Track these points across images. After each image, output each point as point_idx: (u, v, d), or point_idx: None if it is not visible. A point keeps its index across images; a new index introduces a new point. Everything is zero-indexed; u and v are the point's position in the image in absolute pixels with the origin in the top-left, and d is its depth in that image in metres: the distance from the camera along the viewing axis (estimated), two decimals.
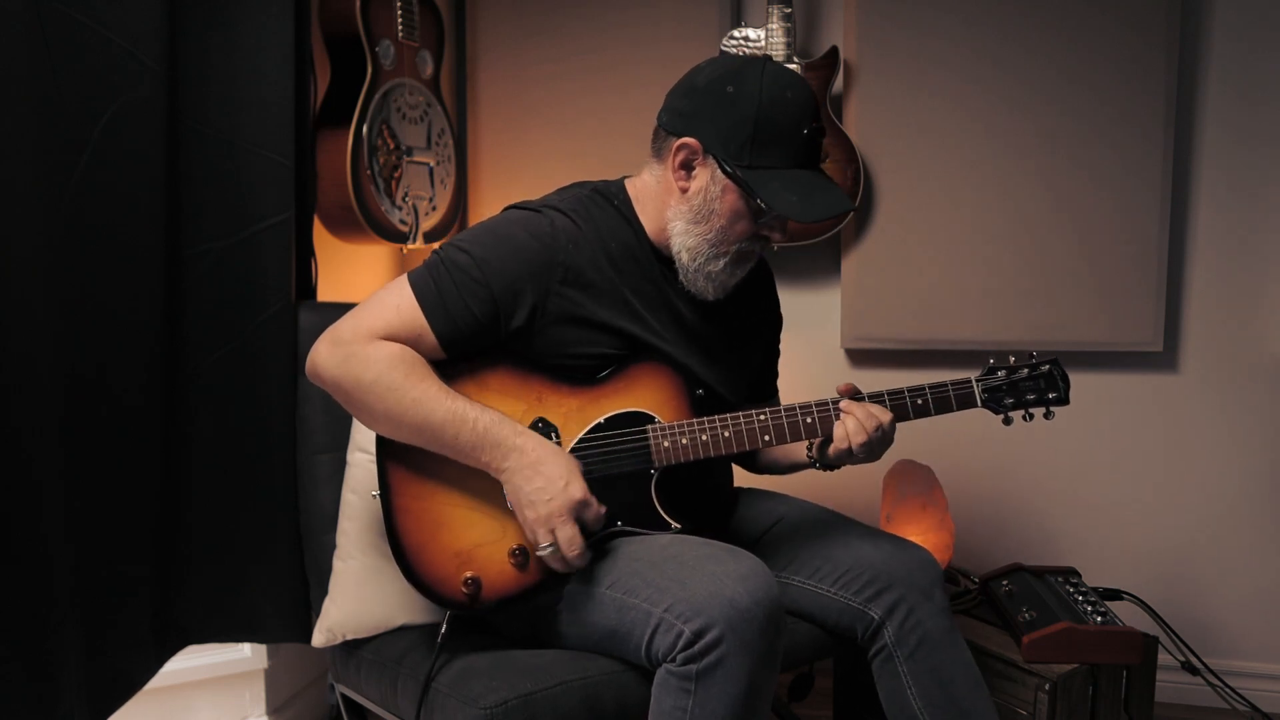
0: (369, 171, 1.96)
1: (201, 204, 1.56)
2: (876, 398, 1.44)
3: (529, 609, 1.41)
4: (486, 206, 2.49)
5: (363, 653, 1.52)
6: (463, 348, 1.37)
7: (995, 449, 2.32)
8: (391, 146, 2.04)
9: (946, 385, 1.45)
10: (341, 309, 1.41)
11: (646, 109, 1.48)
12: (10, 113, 1.18)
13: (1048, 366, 1.47)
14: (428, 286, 1.35)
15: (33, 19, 1.23)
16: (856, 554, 1.49)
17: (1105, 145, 2.17)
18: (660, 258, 1.47)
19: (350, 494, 1.56)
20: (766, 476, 1.71)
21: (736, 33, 2.22)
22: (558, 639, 1.41)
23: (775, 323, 1.69)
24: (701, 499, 1.52)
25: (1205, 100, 2.19)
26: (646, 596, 1.28)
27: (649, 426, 1.41)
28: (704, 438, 1.40)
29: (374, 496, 1.40)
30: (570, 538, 1.31)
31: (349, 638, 1.52)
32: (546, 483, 1.31)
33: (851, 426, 1.39)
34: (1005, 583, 1.94)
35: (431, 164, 2.17)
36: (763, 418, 1.41)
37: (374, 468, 1.39)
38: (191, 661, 1.82)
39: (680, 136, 1.39)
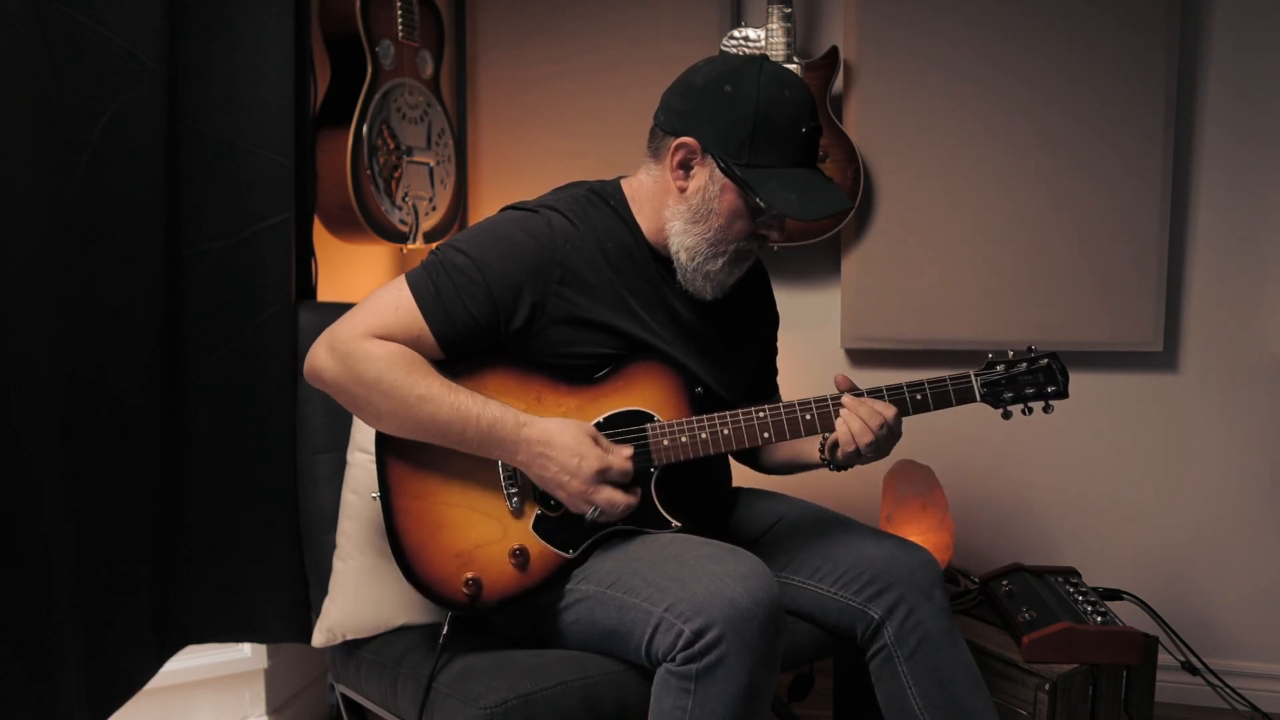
0: (369, 171, 1.96)
1: (201, 204, 1.56)
2: (875, 393, 1.43)
3: (529, 609, 1.41)
4: (486, 206, 2.49)
5: (363, 653, 1.52)
6: (461, 349, 1.37)
7: (995, 449, 2.32)
8: (391, 146, 2.04)
9: (945, 380, 1.44)
10: (341, 309, 1.40)
11: (646, 109, 1.48)
12: (10, 113, 1.18)
13: (1046, 360, 1.46)
14: (426, 288, 1.34)
15: (33, 19, 1.23)
16: (856, 554, 1.49)
17: (1105, 145, 2.17)
18: (657, 257, 1.47)
19: (350, 494, 1.56)
20: (766, 476, 1.71)
21: (736, 33, 2.23)
22: (558, 639, 1.41)
23: (772, 321, 1.69)
24: (701, 497, 1.52)
25: (1205, 100, 2.19)
26: (647, 596, 1.28)
27: (648, 425, 1.41)
28: (703, 436, 1.40)
29: (374, 499, 1.40)
30: (609, 500, 1.33)
31: (349, 638, 1.52)
32: (560, 466, 1.32)
33: (856, 428, 1.39)
34: (1005, 583, 1.94)
35: (431, 164, 2.17)
36: (762, 415, 1.41)
37: (374, 468, 1.39)
38: (191, 661, 1.82)
39: (678, 136, 1.39)
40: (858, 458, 1.42)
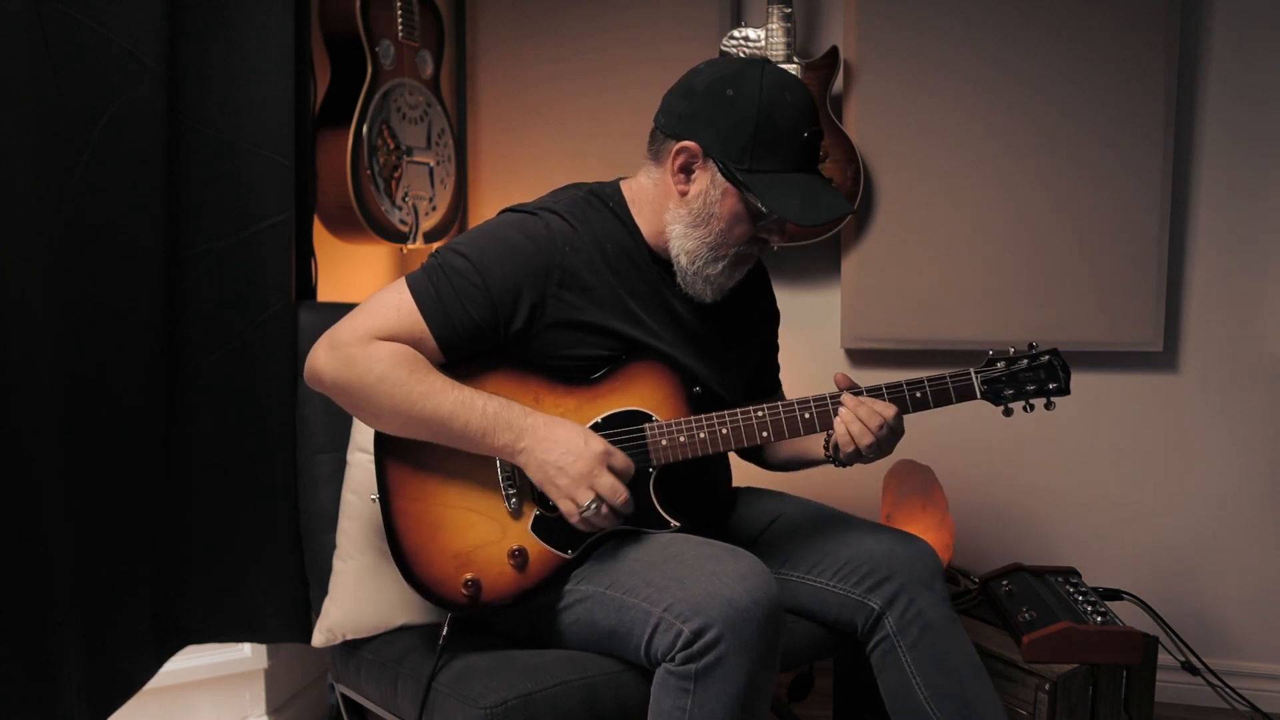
0: (369, 171, 1.96)
1: (201, 204, 1.57)
2: (874, 391, 1.43)
3: (529, 610, 1.41)
4: (486, 206, 2.49)
5: (363, 653, 1.52)
6: (462, 351, 1.37)
7: (995, 449, 2.32)
8: (391, 146, 2.04)
9: (945, 378, 1.44)
10: (342, 309, 1.41)
11: (646, 109, 1.48)
12: (10, 113, 1.18)
13: (1047, 357, 1.46)
14: (426, 291, 1.34)
15: (33, 19, 1.23)
16: (855, 547, 1.49)
17: (1105, 145, 2.17)
18: (657, 260, 1.47)
19: (350, 494, 1.56)
20: (765, 474, 1.71)
21: (736, 33, 2.23)
22: (558, 639, 1.41)
23: (772, 319, 1.69)
24: (700, 497, 1.52)
25: (1205, 100, 2.19)
26: (646, 596, 1.28)
27: (646, 425, 1.41)
28: (702, 435, 1.40)
29: (373, 500, 1.40)
30: (612, 485, 1.31)
31: (349, 638, 1.52)
32: (567, 446, 1.31)
33: (856, 430, 1.38)
34: (1005, 583, 1.94)
35: (431, 164, 2.17)
36: (760, 414, 1.41)
37: (374, 468, 1.40)
38: (191, 661, 1.82)
39: (679, 140, 1.39)
40: (859, 457, 1.42)
